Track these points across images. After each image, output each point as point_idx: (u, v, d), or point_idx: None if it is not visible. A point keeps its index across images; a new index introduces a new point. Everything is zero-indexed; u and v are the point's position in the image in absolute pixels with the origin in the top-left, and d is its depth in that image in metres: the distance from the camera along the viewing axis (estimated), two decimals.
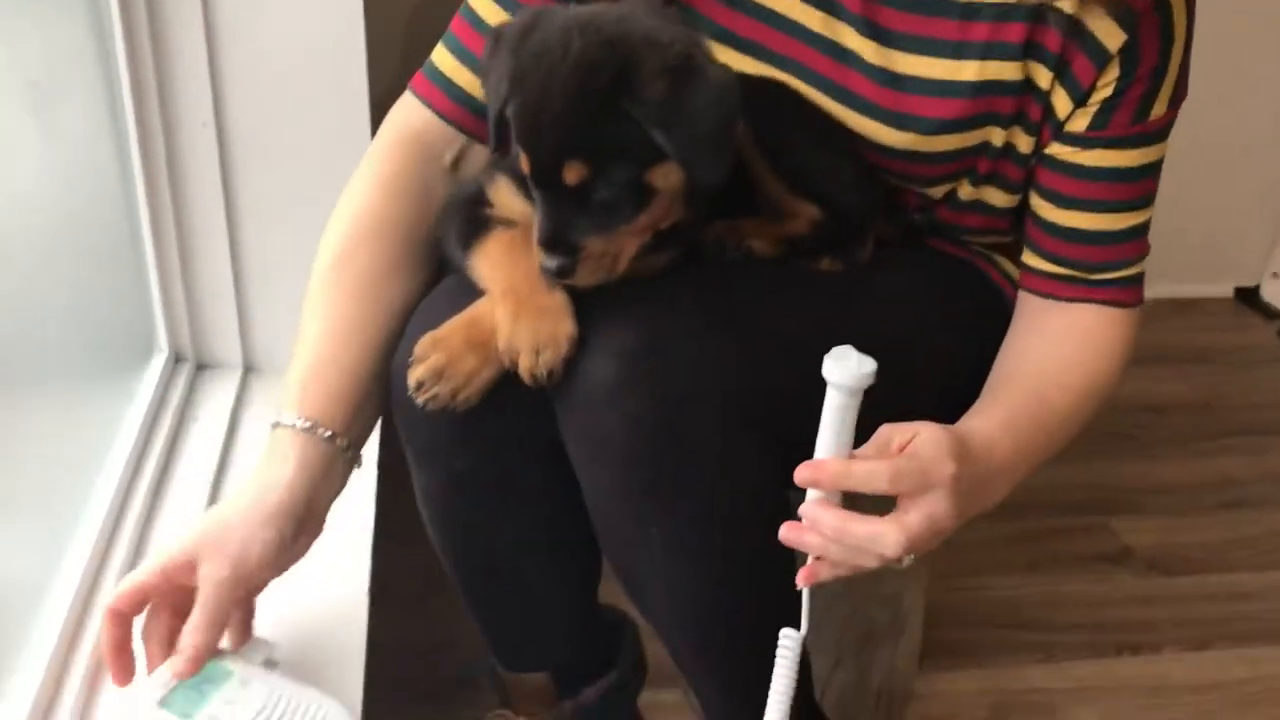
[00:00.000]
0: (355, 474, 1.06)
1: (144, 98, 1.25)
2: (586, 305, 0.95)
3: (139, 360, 1.33)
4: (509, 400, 0.98)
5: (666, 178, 0.93)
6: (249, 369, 1.43)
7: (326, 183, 1.34)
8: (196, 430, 1.32)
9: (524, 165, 0.92)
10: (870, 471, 0.88)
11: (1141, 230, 1.10)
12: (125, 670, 0.94)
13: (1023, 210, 1.15)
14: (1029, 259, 1.12)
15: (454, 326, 0.96)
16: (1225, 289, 2.72)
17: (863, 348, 0.86)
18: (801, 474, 0.88)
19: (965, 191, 1.14)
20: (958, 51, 1.05)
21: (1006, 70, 1.04)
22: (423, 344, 0.95)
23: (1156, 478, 2.07)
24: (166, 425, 1.27)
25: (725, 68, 0.94)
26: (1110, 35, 1.02)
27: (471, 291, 0.98)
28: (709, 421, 0.94)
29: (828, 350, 0.86)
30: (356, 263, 1.06)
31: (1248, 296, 2.71)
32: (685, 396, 0.93)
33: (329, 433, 1.00)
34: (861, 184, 1.09)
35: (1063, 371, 1.09)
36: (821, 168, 1.05)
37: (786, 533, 0.90)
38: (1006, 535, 1.91)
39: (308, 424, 0.99)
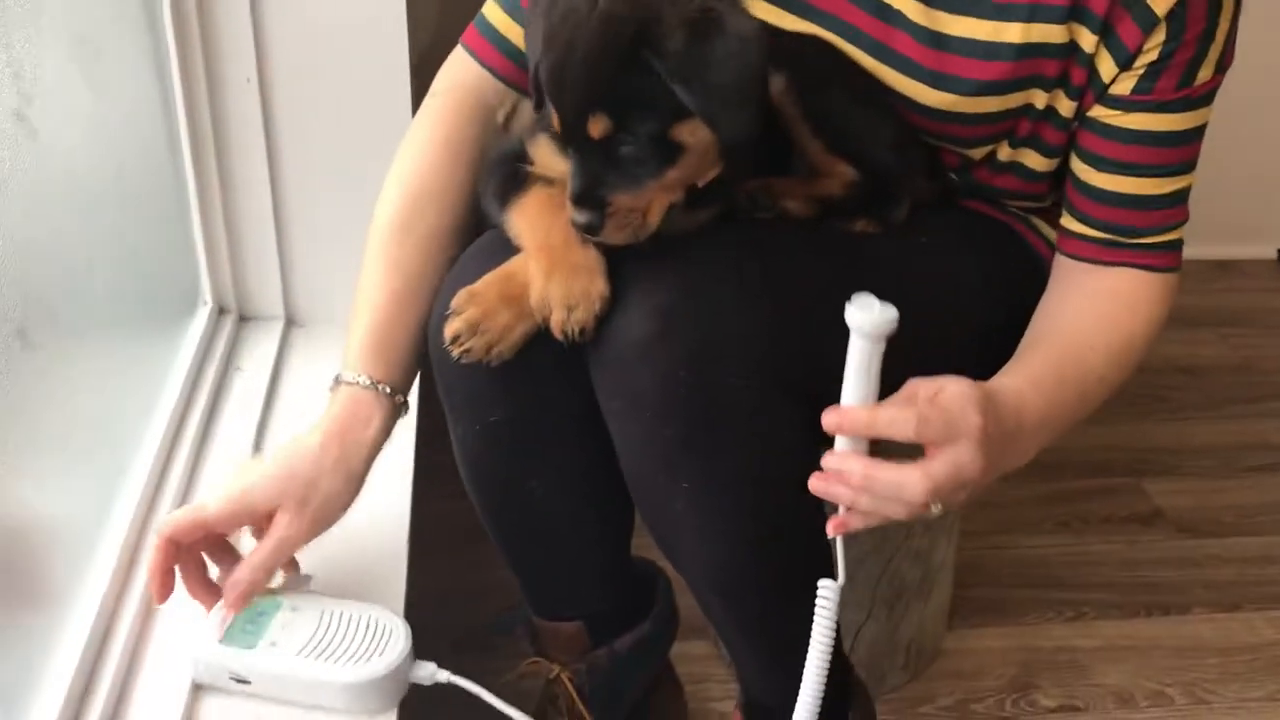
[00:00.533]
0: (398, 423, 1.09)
1: (189, 53, 1.27)
2: (622, 262, 0.97)
3: (184, 312, 1.36)
4: (545, 354, 1.00)
5: (694, 133, 0.93)
6: (290, 322, 1.46)
7: (367, 138, 1.36)
8: (240, 381, 1.34)
9: (555, 122, 0.93)
10: (895, 418, 0.90)
11: (1183, 196, 1.09)
12: (167, 590, 0.97)
13: (1060, 174, 1.15)
14: (1068, 222, 1.12)
15: (489, 281, 0.97)
16: (1268, 250, 2.69)
17: (898, 308, 0.86)
18: (828, 419, 0.90)
19: (1004, 153, 1.14)
20: (1002, 13, 1.05)
21: (1052, 33, 1.04)
22: (459, 298, 0.97)
23: (1190, 440, 2.06)
24: (211, 376, 1.30)
25: (750, 20, 0.94)
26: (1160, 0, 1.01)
27: (507, 249, 1.00)
28: (742, 379, 0.95)
29: None
30: (423, 224, 1.09)
31: None
32: (719, 354, 0.94)
33: (390, 390, 1.03)
34: (900, 145, 1.10)
35: (1097, 333, 1.09)
36: (860, 128, 1.05)
37: (815, 483, 0.92)
38: (1037, 495, 1.91)
39: (373, 383, 1.03)
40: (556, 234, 0.97)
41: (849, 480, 0.91)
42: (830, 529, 0.94)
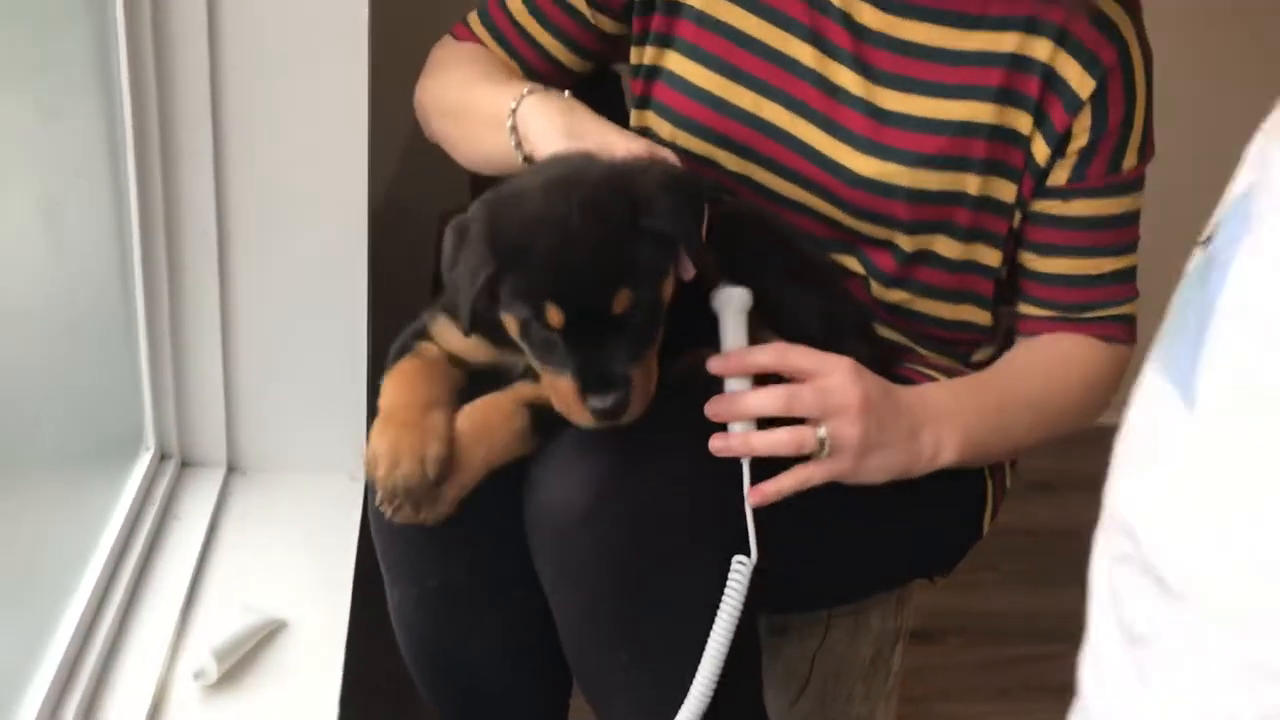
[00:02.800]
0: (329, 581, 1.08)
1: (150, 205, 1.29)
2: (554, 430, 0.99)
3: (126, 456, 1.35)
4: (483, 519, 1.01)
5: (669, 290, 0.98)
6: (232, 468, 1.45)
7: (321, 294, 1.39)
8: (178, 529, 1.33)
9: (554, 318, 0.93)
10: (767, 362, 1.02)
11: (1126, 275, 1.18)
12: None
13: (1002, 291, 1.23)
14: (1021, 309, 1.21)
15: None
16: None
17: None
18: (714, 364, 1.01)
19: (954, 250, 1.17)
20: (942, 92, 1.13)
21: (985, 112, 1.12)
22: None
23: None
24: (149, 523, 1.29)
25: (685, 171, 1.04)
26: (1081, 83, 1.11)
27: None
28: (682, 545, 0.96)
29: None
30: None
31: None
32: (658, 522, 0.96)
33: None
34: (829, 314, 1.13)
35: (1031, 365, 1.18)
36: (791, 303, 1.09)
37: (716, 443, 0.99)
38: (978, 660, 1.92)
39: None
40: (404, 399, 1.00)
41: (743, 408, 0.99)
42: (751, 499, 0.99)
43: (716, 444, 0.99)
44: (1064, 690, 1.98)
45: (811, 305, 1.11)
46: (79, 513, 1.21)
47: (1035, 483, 2.44)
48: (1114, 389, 1.18)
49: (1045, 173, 1.14)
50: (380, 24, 1.33)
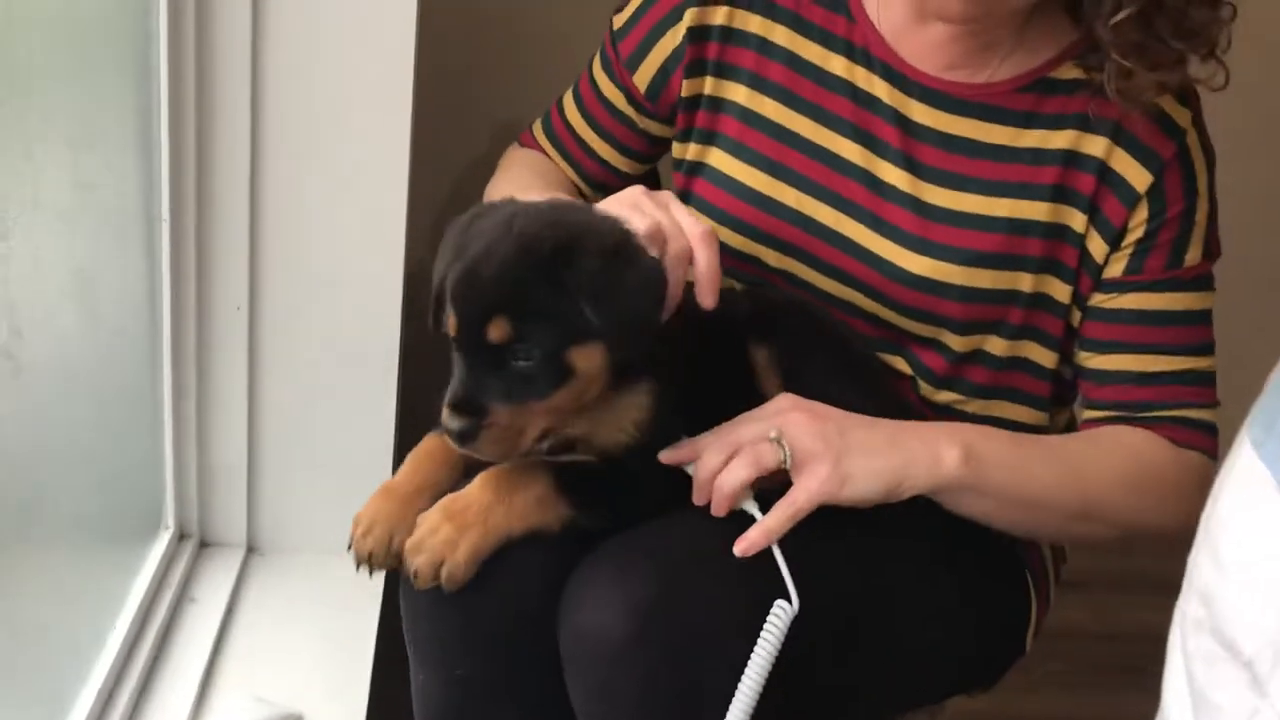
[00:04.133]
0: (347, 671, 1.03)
1: (182, 281, 1.27)
2: (596, 547, 0.97)
3: (145, 535, 1.32)
4: (516, 611, 0.98)
5: (589, 359, 0.94)
6: (251, 549, 1.42)
7: (351, 375, 1.36)
8: (194, 611, 1.29)
9: (450, 325, 0.94)
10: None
11: (1194, 378, 1.11)
12: None
13: (1061, 393, 1.18)
14: (1083, 415, 1.15)
15: (438, 504, 0.98)
16: None
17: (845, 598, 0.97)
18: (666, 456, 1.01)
19: (1001, 347, 1.14)
20: (992, 189, 1.10)
21: (1038, 210, 1.10)
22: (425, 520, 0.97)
23: None
24: (165, 605, 1.25)
25: (658, 262, 0.98)
26: (1138, 177, 1.08)
27: None
28: (721, 678, 0.93)
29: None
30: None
31: None
32: (700, 652, 0.92)
33: None
34: (878, 415, 1.10)
35: (1073, 434, 1.14)
36: (833, 397, 1.06)
37: (739, 547, 0.97)
38: None
39: None
40: (406, 471, 1.03)
41: (721, 497, 0.98)
42: (738, 549, 0.97)
43: (740, 548, 0.97)
44: None
45: (856, 404, 1.07)
46: (94, 594, 1.19)
47: (1069, 582, 2.38)
48: (1186, 496, 1.06)
49: (1103, 268, 1.11)
50: (421, 102, 1.32)
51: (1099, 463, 1.09)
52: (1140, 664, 2.21)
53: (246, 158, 1.26)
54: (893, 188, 1.12)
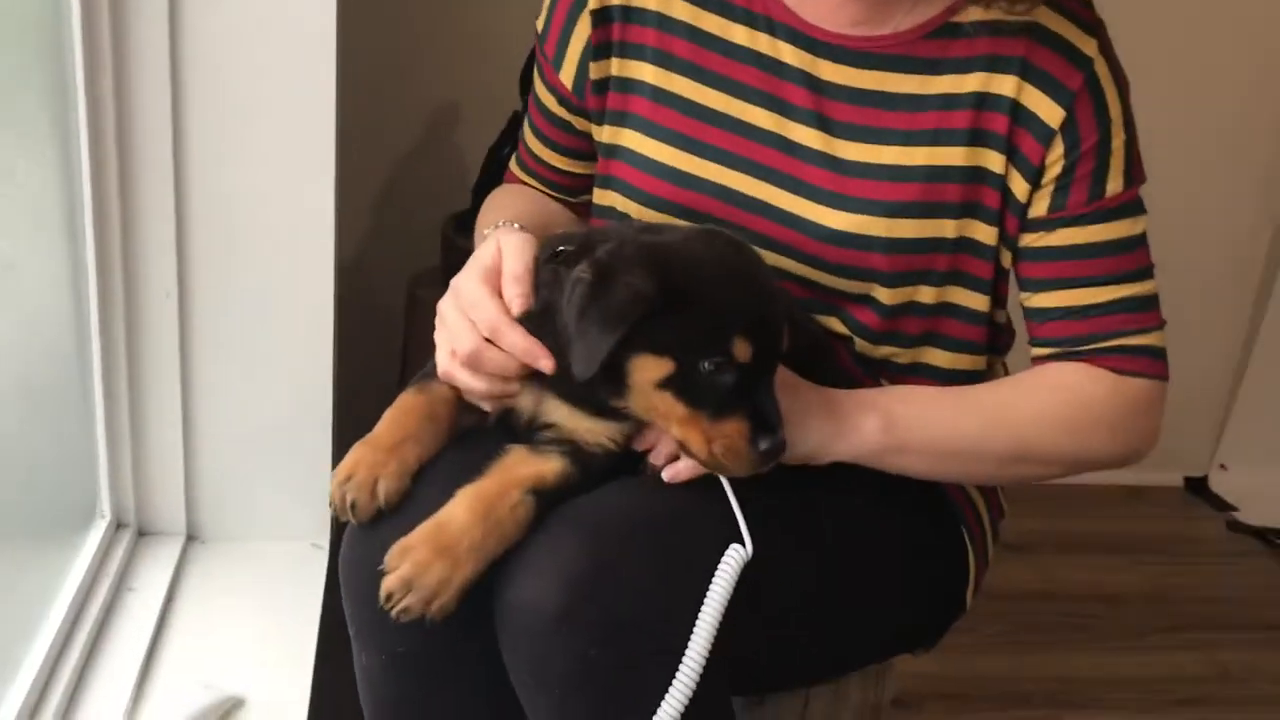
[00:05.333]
0: (290, 655, 1.02)
1: (108, 266, 1.25)
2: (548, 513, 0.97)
3: (80, 525, 1.30)
4: None
5: None
6: (192, 537, 1.40)
7: (287, 358, 1.35)
8: (133, 600, 1.28)
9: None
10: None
11: (1134, 304, 1.12)
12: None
13: (999, 338, 1.20)
14: (1031, 354, 1.16)
15: (422, 535, 0.95)
16: (1175, 478, 2.76)
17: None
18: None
19: (928, 295, 1.15)
20: (907, 139, 1.11)
21: (955, 155, 1.10)
22: (392, 554, 0.94)
23: (1110, 671, 2.05)
24: (102, 595, 1.24)
25: None
26: (1050, 113, 1.09)
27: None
28: (651, 647, 0.93)
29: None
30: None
31: (1196, 487, 2.74)
32: (633, 627, 0.92)
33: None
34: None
35: (1004, 380, 1.15)
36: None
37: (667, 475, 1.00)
38: None
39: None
40: (386, 424, 1.02)
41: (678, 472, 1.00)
42: (665, 475, 1.00)
43: (668, 474, 1.01)
44: None
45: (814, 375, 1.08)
46: (26, 585, 1.16)
47: (1012, 544, 2.42)
48: (1126, 425, 1.11)
49: (1027, 207, 1.11)
50: (348, 87, 1.31)
51: (1027, 405, 1.11)
52: (1085, 622, 2.28)
53: (169, 140, 1.24)
54: (807, 148, 1.13)
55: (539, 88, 1.27)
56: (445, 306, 1.03)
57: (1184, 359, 2.83)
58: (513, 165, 1.36)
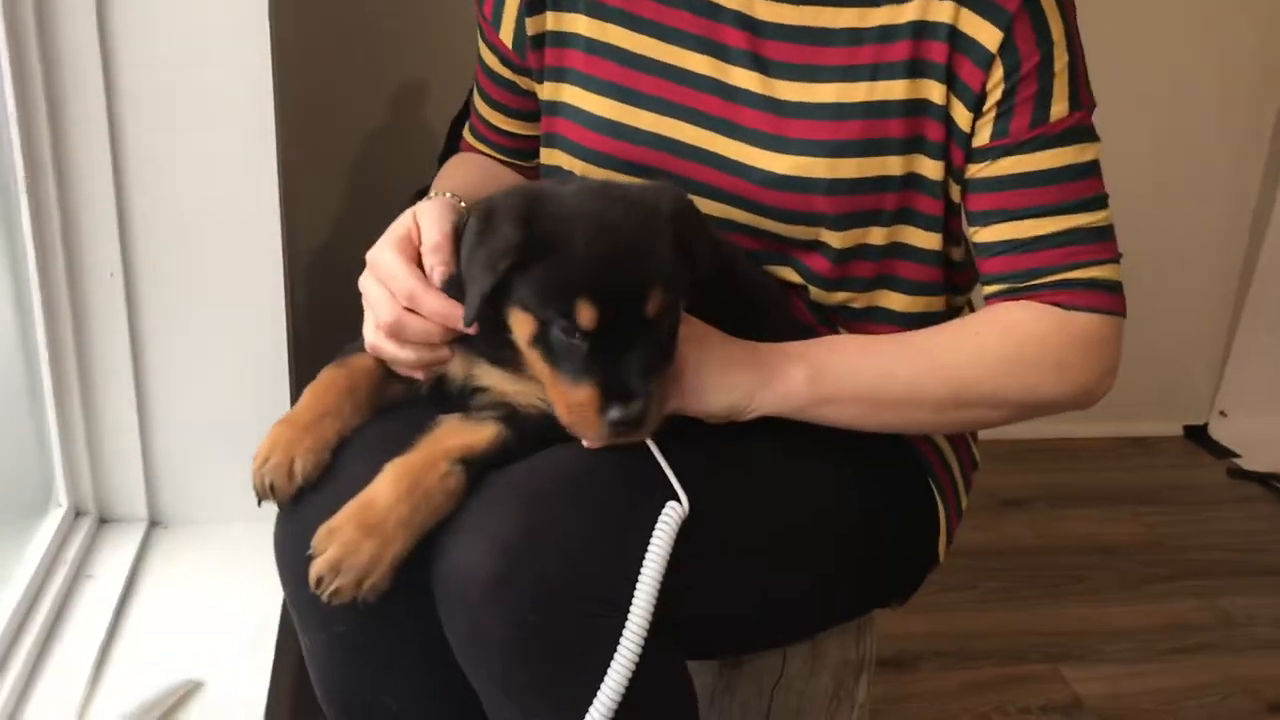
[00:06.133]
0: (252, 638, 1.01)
1: (47, 246, 1.23)
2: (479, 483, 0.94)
3: (33, 514, 1.28)
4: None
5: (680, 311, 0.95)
6: (155, 523, 1.38)
7: (235, 332, 1.32)
8: (91, 587, 1.26)
9: (585, 316, 0.89)
10: None
11: (1084, 235, 1.06)
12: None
13: (958, 277, 1.16)
14: (981, 291, 1.12)
15: (347, 514, 0.92)
16: (1174, 427, 2.72)
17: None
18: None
19: (878, 236, 1.11)
20: (846, 75, 1.07)
21: (895, 89, 1.06)
22: (318, 537, 0.92)
23: (1108, 622, 2.02)
24: (58, 582, 1.21)
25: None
26: (988, 36, 1.04)
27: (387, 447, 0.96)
28: (586, 609, 0.90)
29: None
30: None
31: (1197, 435, 2.71)
32: (569, 588, 0.89)
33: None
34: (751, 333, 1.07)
35: (943, 325, 1.10)
36: (702, 313, 1.03)
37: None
38: (954, 686, 1.85)
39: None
40: (305, 401, 1.00)
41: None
42: (585, 441, 0.95)
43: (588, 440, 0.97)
44: (1046, 711, 1.92)
45: (741, 327, 1.04)
46: None
47: (1007, 500, 2.39)
48: (1073, 363, 1.05)
49: (971, 137, 1.07)
50: (311, 64, 1.27)
51: (966, 347, 1.06)
52: (1083, 575, 2.25)
53: (103, 114, 1.21)
54: (745, 91, 1.09)
55: (482, 49, 1.24)
56: (364, 281, 1.01)
57: (1181, 306, 2.82)
58: (466, 133, 1.34)
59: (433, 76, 2.17)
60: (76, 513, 1.34)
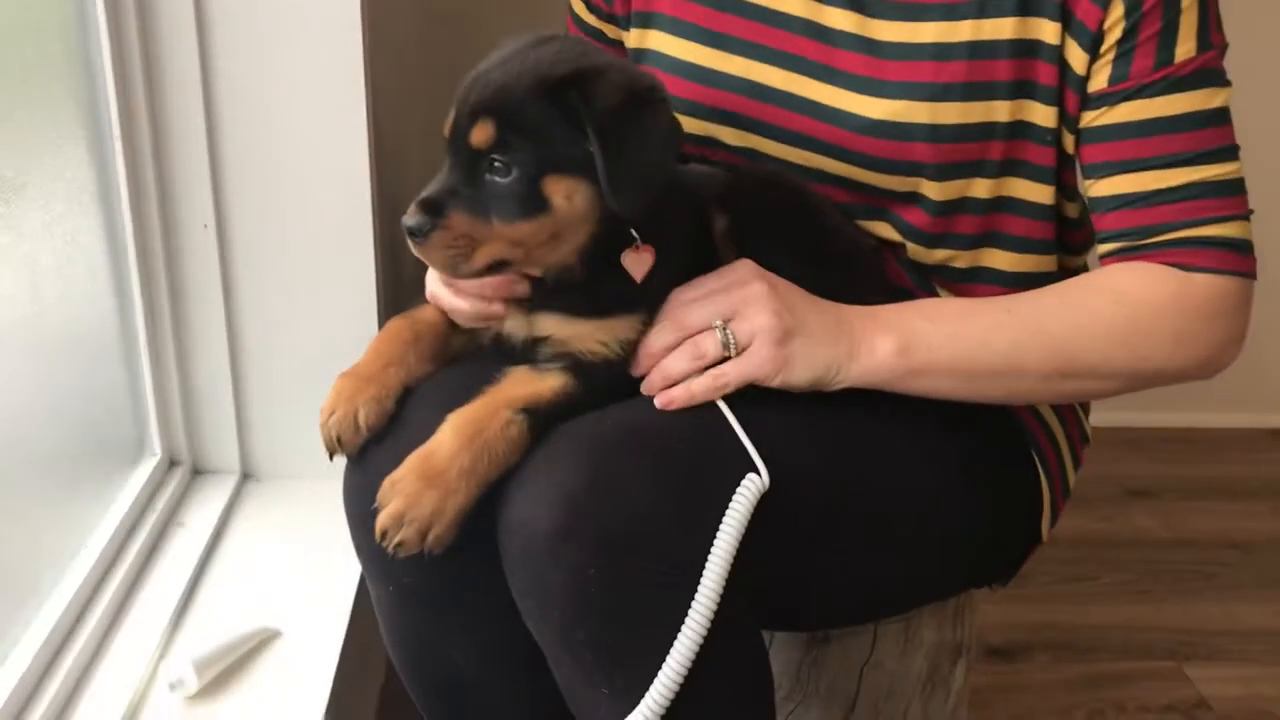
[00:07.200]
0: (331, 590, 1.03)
1: (142, 198, 1.25)
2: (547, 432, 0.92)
3: (127, 462, 1.30)
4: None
5: (568, 197, 0.90)
6: (247, 476, 1.40)
7: (328, 287, 1.33)
8: (181, 535, 1.27)
9: (446, 126, 0.91)
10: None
11: (1210, 189, 0.97)
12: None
13: (1074, 235, 1.09)
14: (1097, 250, 1.04)
15: (408, 465, 0.91)
16: None
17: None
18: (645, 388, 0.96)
19: (984, 189, 1.04)
20: (948, 13, 1.00)
21: (1003, 28, 0.99)
22: (381, 491, 0.90)
23: (1239, 622, 1.90)
24: (147, 529, 1.23)
25: (674, 116, 0.95)
26: None
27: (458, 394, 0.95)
28: (649, 564, 0.86)
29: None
30: None
31: None
32: (633, 545, 0.86)
33: None
34: (849, 297, 1.02)
35: (1050, 289, 1.02)
36: (785, 269, 0.98)
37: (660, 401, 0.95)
38: (1067, 678, 1.76)
39: None
40: (369, 353, 0.98)
41: (658, 380, 0.95)
42: (658, 403, 0.94)
43: (660, 401, 0.95)
44: (1168, 711, 1.79)
45: (810, 279, 0.99)
46: (69, 519, 1.17)
47: (1134, 490, 2.27)
48: (1192, 331, 0.97)
49: (1087, 81, 0.99)
50: (378, 12, 1.27)
51: (1073, 314, 0.99)
52: (1215, 570, 2.12)
53: (196, 69, 1.22)
54: (840, 32, 1.04)
55: (574, 1, 1.21)
56: None
57: None
58: None
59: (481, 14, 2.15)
60: (171, 463, 1.36)
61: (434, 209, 0.89)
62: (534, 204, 0.89)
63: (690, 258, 0.99)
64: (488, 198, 0.89)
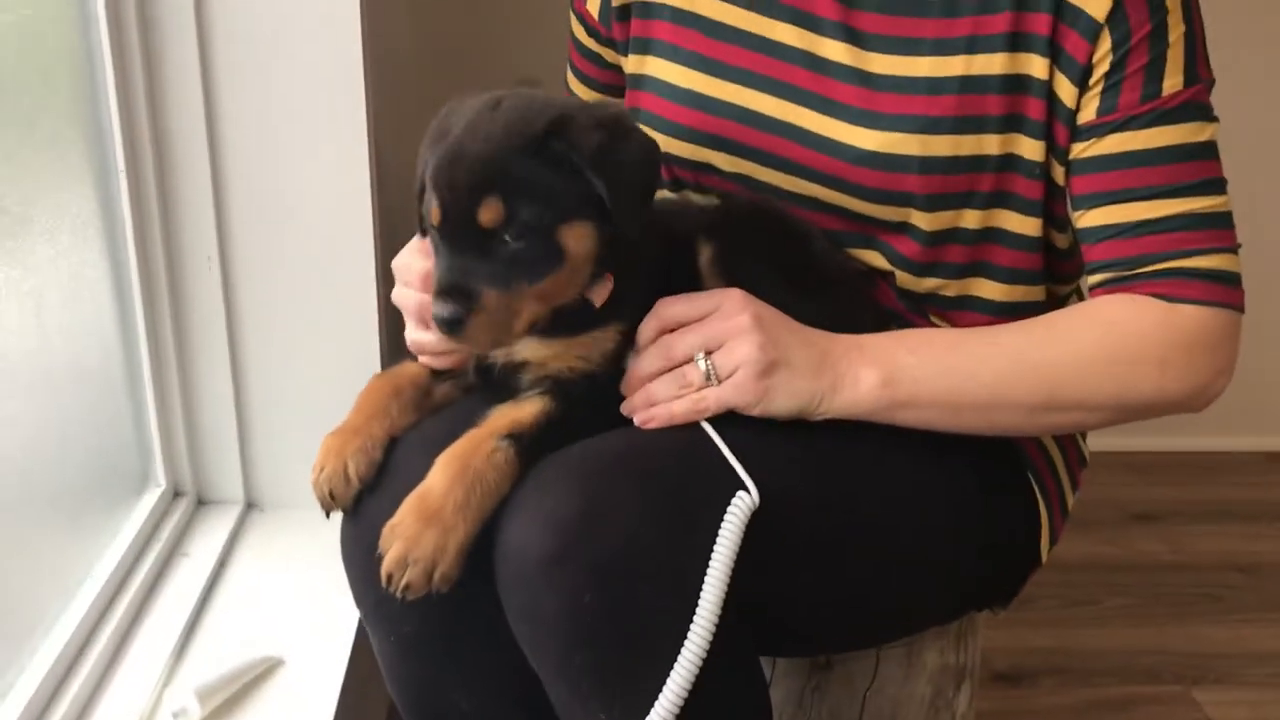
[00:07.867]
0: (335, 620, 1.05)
1: (147, 232, 1.26)
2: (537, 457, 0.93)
3: (131, 493, 1.31)
4: None
5: (581, 240, 0.91)
6: (251, 505, 1.41)
7: (330, 318, 1.34)
8: (185, 565, 1.28)
9: (433, 214, 0.91)
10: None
11: (1197, 220, 0.98)
12: None
13: (1059, 266, 1.09)
14: (1086, 281, 1.05)
15: (406, 508, 0.91)
16: None
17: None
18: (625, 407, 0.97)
19: (973, 219, 1.05)
20: (941, 48, 1.02)
21: (994, 63, 1.01)
22: (383, 536, 0.91)
23: (1246, 645, 1.89)
24: (151, 559, 1.24)
25: (647, 134, 0.98)
26: (1096, 5, 0.98)
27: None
28: (645, 589, 0.87)
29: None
30: None
31: None
32: (628, 569, 0.86)
33: None
34: (835, 324, 1.02)
35: (1035, 320, 1.02)
36: (770, 297, 0.99)
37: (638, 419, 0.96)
38: (1074, 703, 1.75)
39: None
40: (353, 409, 1.00)
41: (639, 400, 0.96)
42: (637, 420, 0.96)
43: (639, 419, 0.97)
44: None
45: (795, 307, 1.00)
46: (74, 549, 1.17)
47: (1138, 514, 2.27)
48: (1178, 361, 0.97)
49: (1076, 113, 1.00)
50: (379, 48, 1.29)
51: (1060, 345, 0.99)
52: (1221, 593, 2.11)
53: (200, 105, 1.24)
54: (835, 63, 1.05)
55: (572, 21, 1.23)
56: (395, 291, 1.04)
57: None
58: None
59: (537, 69, 2.18)
60: (175, 493, 1.37)
61: (463, 295, 0.89)
62: (553, 258, 0.91)
63: (665, 271, 1.01)
64: (507, 267, 0.89)
